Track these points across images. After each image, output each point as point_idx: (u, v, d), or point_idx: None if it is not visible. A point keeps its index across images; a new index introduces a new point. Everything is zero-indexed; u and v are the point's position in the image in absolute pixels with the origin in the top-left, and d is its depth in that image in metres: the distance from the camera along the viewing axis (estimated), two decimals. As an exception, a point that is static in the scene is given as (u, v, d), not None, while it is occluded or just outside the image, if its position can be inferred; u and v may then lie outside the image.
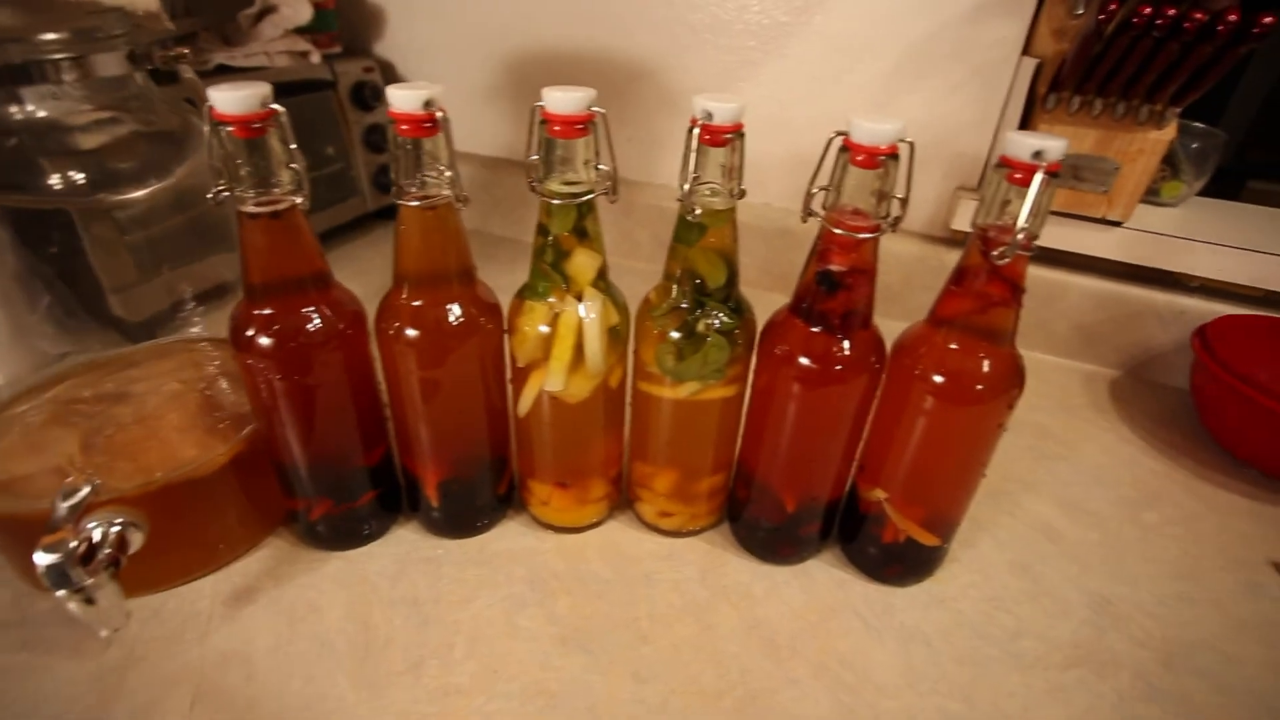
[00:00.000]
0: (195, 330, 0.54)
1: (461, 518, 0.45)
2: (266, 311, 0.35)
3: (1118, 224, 0.62)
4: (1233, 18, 0.46)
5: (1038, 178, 0.30)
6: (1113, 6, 0.48)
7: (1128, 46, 0.50)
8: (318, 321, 0.36)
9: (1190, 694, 0.38)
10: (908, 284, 0.69)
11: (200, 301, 0.56)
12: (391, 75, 0.84)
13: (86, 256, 0.49)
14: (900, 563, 0.43)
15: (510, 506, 0.48)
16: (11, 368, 0.47)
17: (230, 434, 0.41)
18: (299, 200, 0.33)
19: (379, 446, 0.43)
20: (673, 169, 0.32)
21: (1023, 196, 0.31)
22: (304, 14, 0.66)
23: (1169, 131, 0.56)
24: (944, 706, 0.37)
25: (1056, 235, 0.64)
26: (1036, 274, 0.66)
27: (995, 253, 0.33)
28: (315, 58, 0.67)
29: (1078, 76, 0.55)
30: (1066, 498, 0.52)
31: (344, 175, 0.76)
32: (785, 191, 0.75)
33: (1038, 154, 0.30)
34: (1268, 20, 0.45)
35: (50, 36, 0.41)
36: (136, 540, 0.37)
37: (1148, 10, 0.47)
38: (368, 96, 0.77)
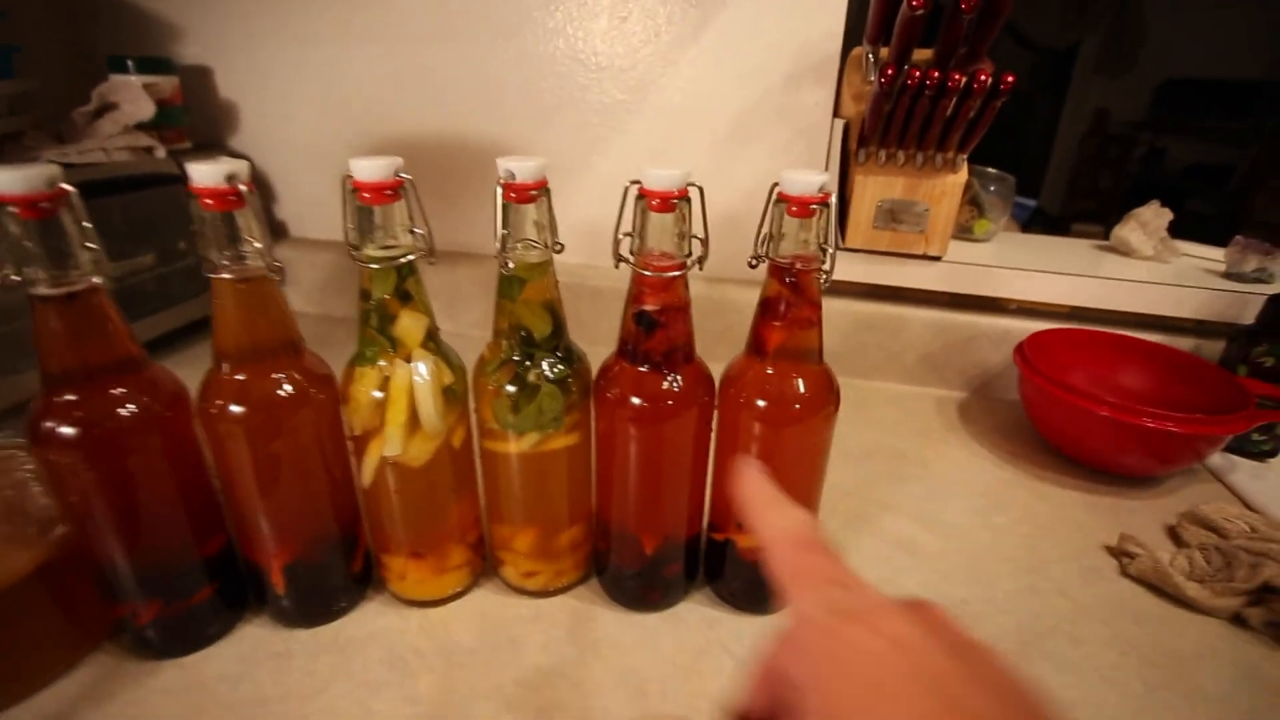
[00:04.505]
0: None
1: (313, 603, 0.42)
2: (68, 398, 0.33)
3: (937, 258, 0.69)
4: (984, 78, 0.54)
5: (832, 200, 0.34)
6: (889, 72, 0.55)
7: (909, 105, 0.57)
8: (130, 405, 0.35)
9: (1041, 678, 0.40)
10: (766, 328, 0.73)
11: (20, 413, 0.52)
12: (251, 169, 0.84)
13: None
14: (768, 590, 0.44)
15: (370, 586, 0.45)
16: None
17: (37, 541, 0.38)
18: (98, 280, 0.33)
19: (215, 536, 0.41)
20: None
21: (803, 228, 0.34)
22: (146, 111, 0.65)
23: (962, 175, 0.64)
24: (811, 729, 0.37)
25: (888, 272, 0.70)
26: (880, 310, 0.72)
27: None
28: (160, 153, 0.66)
29: (877, 132, 0.62)
30: (924, 513, 0.55)
31: (198, 269, 0.73)
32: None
33: (822, 186, 0.34)
34: (1009, 79, 0.54)
35: None
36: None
37: (917, 74, 0.54)
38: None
